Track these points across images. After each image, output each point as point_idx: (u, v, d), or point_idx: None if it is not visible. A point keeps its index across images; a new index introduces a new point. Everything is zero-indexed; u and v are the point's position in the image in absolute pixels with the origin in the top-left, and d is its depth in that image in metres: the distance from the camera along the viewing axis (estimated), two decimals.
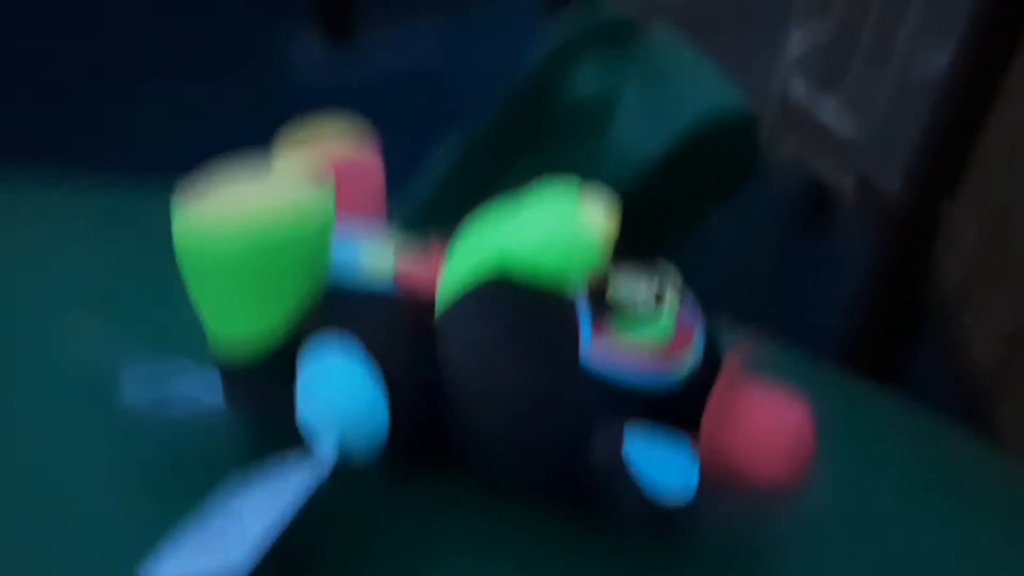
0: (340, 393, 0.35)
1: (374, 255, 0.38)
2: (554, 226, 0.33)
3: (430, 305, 0.35)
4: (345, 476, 0.34)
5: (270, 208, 0.34)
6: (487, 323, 0.34)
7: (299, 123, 0.40)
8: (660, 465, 0.31)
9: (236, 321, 0.36)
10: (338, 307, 0.36)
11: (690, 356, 0.34)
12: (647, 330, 0.33)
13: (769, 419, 0.33)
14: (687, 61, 1.45)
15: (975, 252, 0.99)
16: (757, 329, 0.65)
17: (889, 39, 1.11)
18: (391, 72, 2.00)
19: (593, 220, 0.33)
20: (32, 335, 0.42)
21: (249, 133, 0.48)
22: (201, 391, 0.36)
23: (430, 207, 0.54)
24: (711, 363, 0.34)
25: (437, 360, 0.35)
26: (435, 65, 1.97)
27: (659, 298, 0.33)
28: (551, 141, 1.42)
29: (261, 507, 0.32)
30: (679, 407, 0.33)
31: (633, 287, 0.34)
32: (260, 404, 0.37)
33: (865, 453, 0.48)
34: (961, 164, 1.00)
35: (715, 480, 0.33)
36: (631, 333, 0.32)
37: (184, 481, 0.35)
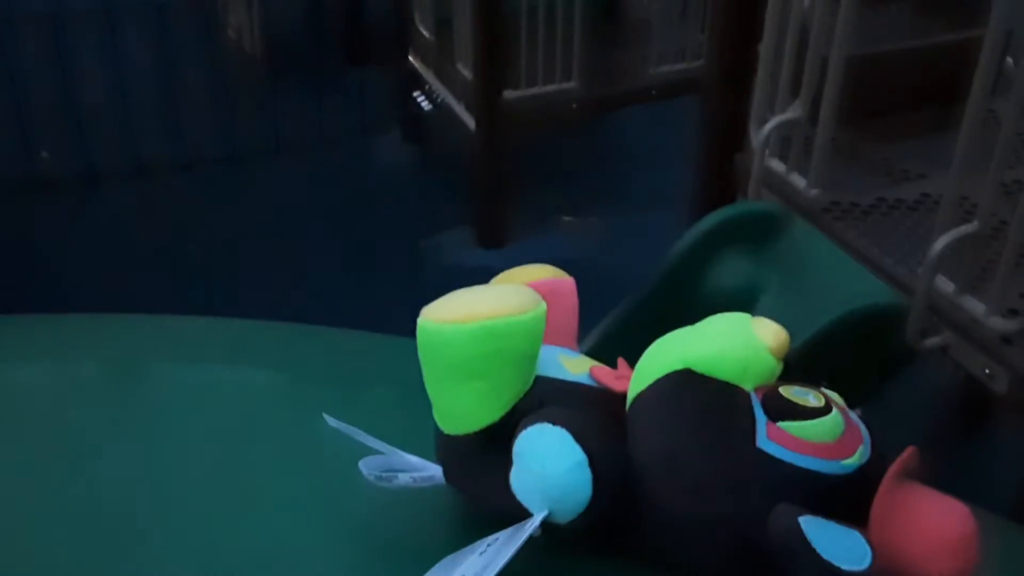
0: (550, 466, 0.40)
1: (572, 359, 0.45)
2: (733, 338, 0.40)
3: (621, 397, 0.42)
4: (548, 541, 0.40)
5: (498, 308, 0.42)
6: (674, 407, 0.41)
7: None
8: (834, 539, 0.35)
9: (464, 402, 0.42)
10: (546, 393, 0.43)
11: (858, 454, 0.38)
12: (820, 426, 0.38)
13: (934, 518, 0.37)
14: (828, 256, 1.51)
15: None
16: None
17: None
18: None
19: (767, 336, 0.39)
20: (290, 431, 0.51)
21: (403, 325, 0.56)
22: (425, 471, 0.43)
23: None
24: (878, 463, 0.38)
25: (628, 444, 0.40)
26: (583, 259, 2.08)
27: (827, 404, 0.39)
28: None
29: (478, 562, 0.38)
30: (849, 495, 0.37)
31: (802, 394, 0.39)
32: (477, 476, 0.43)
33: None
34: None
35: (884, 570, 0.36)
36: (804, 428, 0.38)
37: (412, 550, 0.42)
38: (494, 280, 0.49)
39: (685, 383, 0.41)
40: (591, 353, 0.66)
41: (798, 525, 0.36)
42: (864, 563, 0.36)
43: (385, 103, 2.66)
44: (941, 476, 1.33)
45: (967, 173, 1.17)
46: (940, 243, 1.15)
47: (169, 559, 0.43)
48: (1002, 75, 1.27)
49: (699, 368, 0.41)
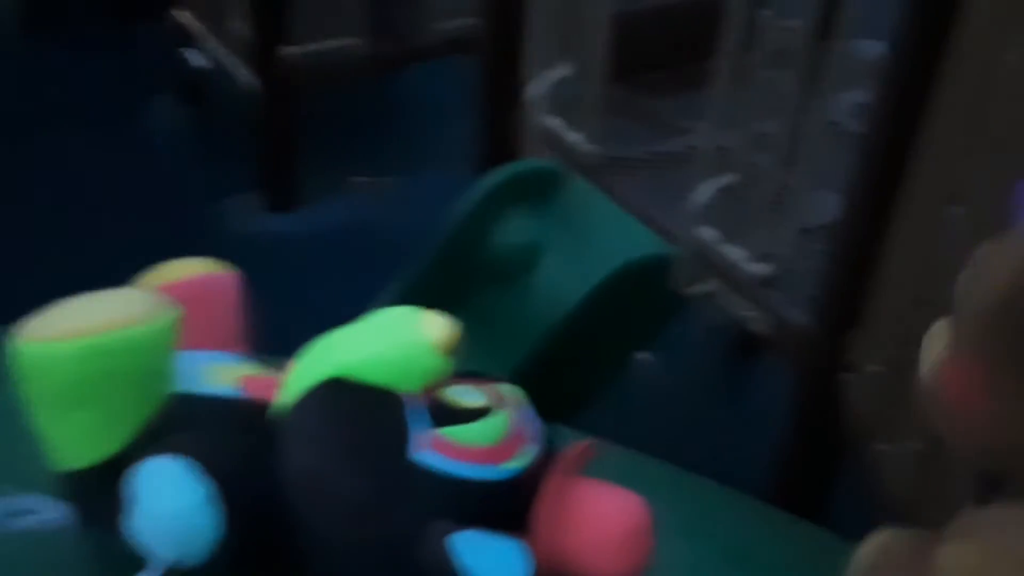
0: (170, 507, 0.36)
1: (221, 367, 0.40)
2: (391, 338, 0.38)
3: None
4: None
5: (110, 320, 0.36)
6: (319, 422, 0.38)
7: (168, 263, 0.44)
8: (488, 558, 0.34)
9: (73, 433, 0.37)
10: (181, 414, 0.38)
11: (523, 456, 0.37)
12: (479, 430, 0.37)
13: (601, 514, 0.36)
14: (605, 211, 1.55)
15: (882, 378, 1.05)
16: (684, 466, 0.67)
17: (785, 188, 1.20)
18: (332, 229, 2.07)
19: (432, 333, 0.37)
20: None
21: None
22: (50, 511, 0.38)
23: None
24: (546, 461, 0.37)
25: (276, 460, 0.37)
26: (373, 222, 2.05)
27: (491, 405, 0.37)
28: (479, 288, 1.49)
29: None
30: (511, 500, 0.36)
31: (466, 395, 0.38)
32: (106, 514, 0.38)
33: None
34: (861, 297, 1.07)
35: (551, 574, 0.36)
36: (463, 432, 0.36)
37: None
38: (141, 280, 0.44)
39: (332, 394, 0.38)
40: None
41: (446, 548, 0.35)
42: None
43: (155, 63, 2.49)
44: (719, 416, 1.40)
45: (727, 126, 1.23)
46: (702, 194, 1.21)
47: None
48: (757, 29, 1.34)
49: (352, 374, 0.38)
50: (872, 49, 1.15)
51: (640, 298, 1.32)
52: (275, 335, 0.72)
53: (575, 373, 1.31)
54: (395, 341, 0.38)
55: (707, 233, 1.24)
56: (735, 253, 1.23)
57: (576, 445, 0.38)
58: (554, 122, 1.46)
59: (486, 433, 0.37)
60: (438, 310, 1.51)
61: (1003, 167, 0.88)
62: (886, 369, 1.05)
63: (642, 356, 1.43)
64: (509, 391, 0.41)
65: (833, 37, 1.10)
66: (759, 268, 1.21)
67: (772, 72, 1.24)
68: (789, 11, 1.17)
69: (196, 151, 2.35)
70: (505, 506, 0.37)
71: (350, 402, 0.37)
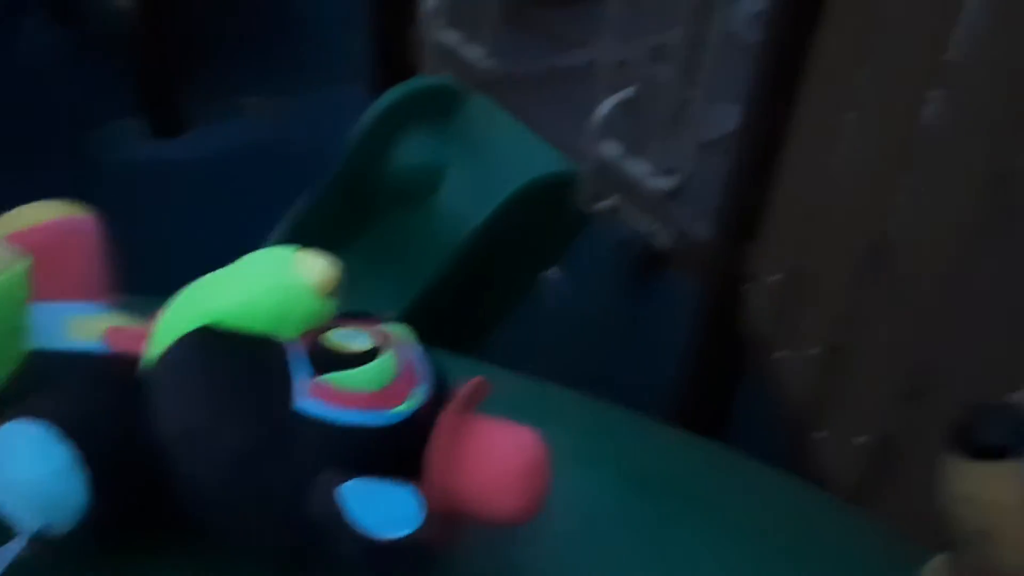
0: (30, 473, 0.34)
1: (85, 319, 0.38)
2: (265, 281, 0.35)
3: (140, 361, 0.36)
4: (51, 547, 0.34)
5: None
6: (190, 375, 0.35)
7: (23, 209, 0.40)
8: (378, 505, 0.33)
9: None
10: (40, 373, 0.36)
11: (412, 398, 0.35)
12: (364, 375, 0.35)
13: (494, 452, 0.35)
14: (506, 128, 1.51)
15: (781, 287, 1.07)
16: (588, 384, 0.67)
17: (684, 102, 1.20)
18: (221, 155, 1.98)
19: (308, 274, 0.35)
20: None
21: None
22: None
23: None
24: (437, 403, 0.36)
25: (148, 417, 0.35)
26: (265, 146, 1.96)
27: (378, 347, 0.35)
28: (383, 211, 1.45)
29: None
30: (402, 445, 0.35)
31: (350, 338, 0.36)
32: None
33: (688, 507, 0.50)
34: (760, 209, 1.08)
35: (448, 516, 0.35)
36: (347, 378, 0.34)
37: None
38: None
39: (203, 344, 0.35)
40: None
41: (335, 498, 0.33)
42: (412, 525, 0.33)
43: None
44: (623, 332, 1.40)
45: (624, 38, 1.21)
46: (602, 109, 1.19)
47: None
48: None
49: (224, 322, 0.35)
50: None
51: (544, 216, 1.31)
52: (163, 271, 0.68)
53: (482, 294, 1.30)
54: (270, 284, 0.35)
55: (609, 148, 1.23)
56: (638, 167, 1.22)
57: (468, 382, 0.36)
58: (451, 36, 1.41)
59: (372, 377, 0.35)
60: (338, 237, 1.46)
61: (894, 74, 0.89)
62: (786, 278, 1.07)
63: (547, 274, 1.43)
64: (396, 330, 0.38)
65: None
66: (662, 182, 1.21)
67: None
68: None
69: (71, 73, 2.20)
70: (396, 452, 0.35)
71: (224, 351, 0.34)
